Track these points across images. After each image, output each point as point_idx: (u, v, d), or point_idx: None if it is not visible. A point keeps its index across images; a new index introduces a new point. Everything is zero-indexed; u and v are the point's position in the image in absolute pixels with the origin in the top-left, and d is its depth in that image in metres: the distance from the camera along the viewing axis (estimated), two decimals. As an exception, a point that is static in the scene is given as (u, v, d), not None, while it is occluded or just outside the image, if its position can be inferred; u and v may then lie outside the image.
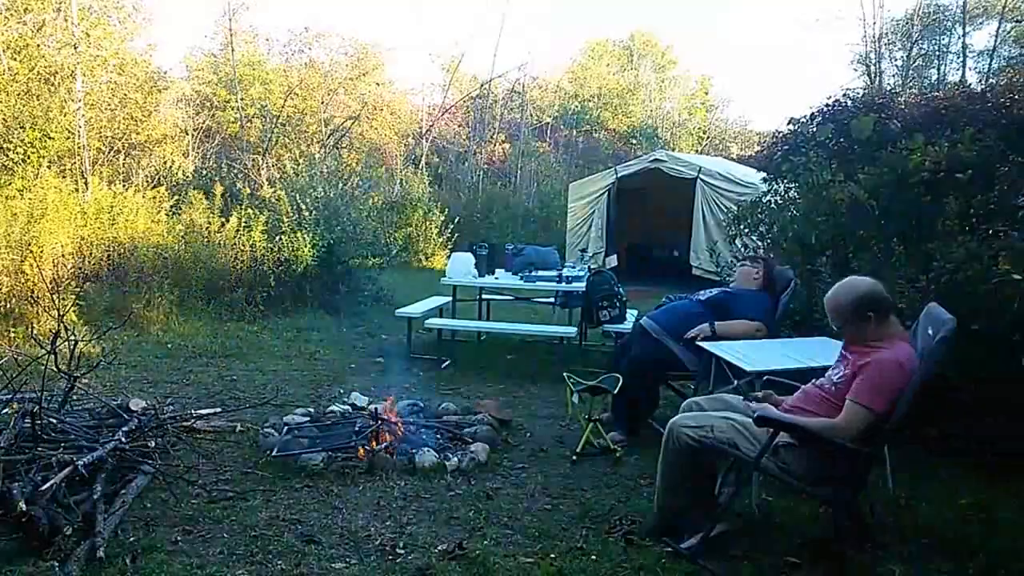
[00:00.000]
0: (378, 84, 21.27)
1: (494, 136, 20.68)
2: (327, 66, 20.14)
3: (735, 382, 4.13)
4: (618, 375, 4.57)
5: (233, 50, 15.83)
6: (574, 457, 4.31)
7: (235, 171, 14.75)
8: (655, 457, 4.28)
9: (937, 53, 25.79)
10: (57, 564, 2.80)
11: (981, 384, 3.96)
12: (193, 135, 14.91)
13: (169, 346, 6.98)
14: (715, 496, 3.27)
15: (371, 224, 9.31)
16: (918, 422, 4.10)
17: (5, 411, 3.85)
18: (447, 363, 6.70)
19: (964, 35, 24.71)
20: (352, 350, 7.31)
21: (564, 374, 4.81)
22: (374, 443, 4.16)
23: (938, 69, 25.57)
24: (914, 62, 25.73)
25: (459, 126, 21.03)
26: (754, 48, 52.39)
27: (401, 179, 16.38)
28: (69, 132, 10.16)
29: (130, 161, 11.99)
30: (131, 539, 3.11)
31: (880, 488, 3.63)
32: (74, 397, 4.34)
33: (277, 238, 8.78)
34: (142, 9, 13.34)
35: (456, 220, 16.75)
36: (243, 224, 9.09)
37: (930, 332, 2.90)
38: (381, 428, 4.27)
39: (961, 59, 24.87)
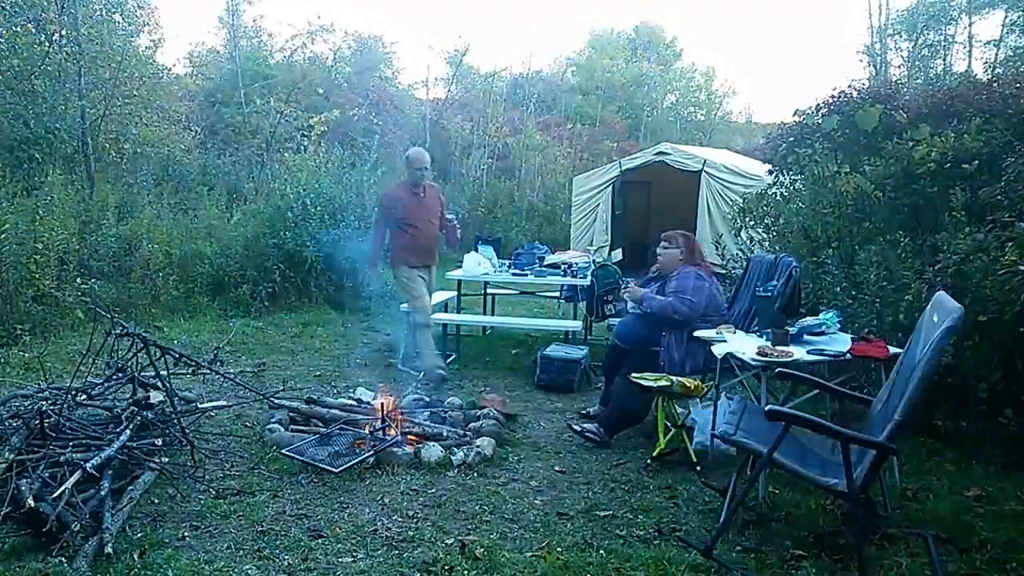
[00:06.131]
0: (382, 79, 21.24)
1: (498, 130, 20.58)
2: (330, 61, 20.12)
3: (740, 375, 4.13)
4: None
5: (236, 46, 15.81)
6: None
7: (239, 167, 14.73)
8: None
9: (943, 43, 25.56)
10: (65, 560, 2.82)
11: (989, 375, 3.94)
12: (197, 131, 14.89)
13: (175, 342, 6.98)
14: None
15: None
16: (925, 413, 4.10)
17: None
18: (452, 357, 6.69)
19: (970, 24, 24.57)
20: (357, 345, 7.31)
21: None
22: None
23: (944, 59, 25.36)
24: (920, 52, 25.54)
25: (463, 120, 20.96)
26: (759, 40, 52.20)
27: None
28: (73, 129, 10.16)
29: (135, 158, 11.98)
30: (138, 535, 3.12)
31: (887, 479, 3.61)
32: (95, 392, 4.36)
33: (282, 233, 8.79)
34: (146, 6, 13.33)
35: (460, 215, 16.70)
36: (248, 220, 9.05)
37: (935, 319, 2.88)
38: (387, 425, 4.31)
39: (967, 49, 24.73)
